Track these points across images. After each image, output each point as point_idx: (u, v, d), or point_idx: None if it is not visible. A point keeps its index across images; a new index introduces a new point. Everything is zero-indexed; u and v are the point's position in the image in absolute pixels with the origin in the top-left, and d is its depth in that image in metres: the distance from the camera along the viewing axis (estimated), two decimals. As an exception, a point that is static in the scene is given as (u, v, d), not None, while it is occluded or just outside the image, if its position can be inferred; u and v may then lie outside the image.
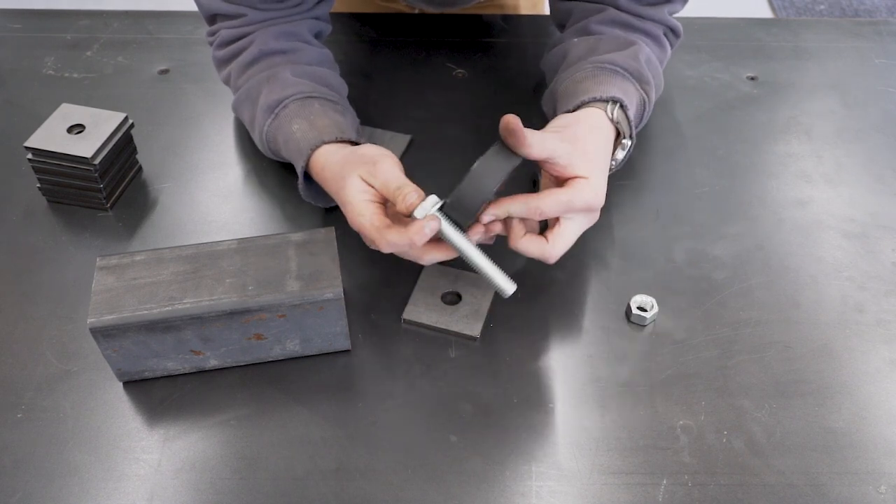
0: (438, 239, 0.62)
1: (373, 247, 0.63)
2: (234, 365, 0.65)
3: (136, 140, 0.81)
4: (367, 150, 0.67)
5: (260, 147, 0.79)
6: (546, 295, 0.71)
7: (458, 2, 1.02)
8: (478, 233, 0.63)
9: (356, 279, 0.72)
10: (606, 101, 0.70)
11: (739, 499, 0.58)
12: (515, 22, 1.04)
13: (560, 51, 0.81)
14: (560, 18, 0.86)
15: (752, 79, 0.95)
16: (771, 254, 0.75)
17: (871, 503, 0.57)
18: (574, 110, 0.71)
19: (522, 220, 0.64)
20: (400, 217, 0.64)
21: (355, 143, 0.72)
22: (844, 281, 0.72)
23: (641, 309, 0.68)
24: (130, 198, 0.80)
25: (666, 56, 0.82)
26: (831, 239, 0.76)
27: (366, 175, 0.64)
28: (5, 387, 0.64)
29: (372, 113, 0.88)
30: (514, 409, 0.63)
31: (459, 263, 0.66)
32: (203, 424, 0.62)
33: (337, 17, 1.01)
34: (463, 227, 0.62)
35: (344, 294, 0.61)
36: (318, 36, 0.85)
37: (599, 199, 0.64)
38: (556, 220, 0.64)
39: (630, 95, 0.72)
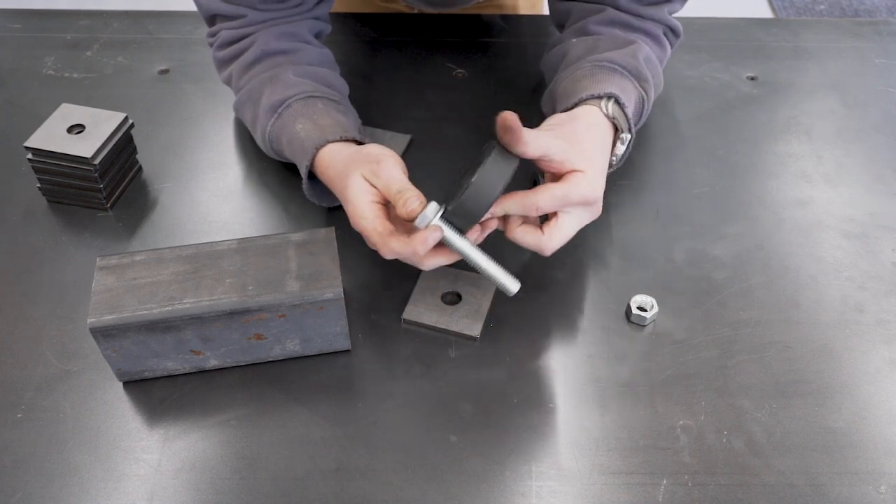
0: (440, 244, 0.62)
1: (374, 248, 0.63)
2: (234, 365, 0.65)
3: (136, 140, 0.81)
4: (372, 149, 0.67)
5: (262, 147, 0.79)
6: (546, 295, 0.71)
7: (458, 2, 1.02)
8: (475, 232, 0.63)
9: (356, 279, 0.72)
10: (602, 97, 0.70)
11: (739, 499, 0.58)
12: (515, 22, 1.04)
13: (559, 51, 0.81)
14: (559, 18, 0.86)
15: (752, 79, 0.95)
16: (771, 254, 0.75)
17: (871, 503, 0.57)
18: (571, 108, 0.71)
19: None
20: (401, 218, 0.64)
21: (359, 143, 0.72)
22: (844, 281, 0.72)
23: (641, 309, 0.68)
24: (130, 198, 0.80)
25: (666, 55, 0.82)
26: (831, 239, 0.76)
27: (368, 174, 0.64)
28: (5, 387, 0.64)
29: (372, 113, 0.88)
30: (514, 409, 0.63)
31: (459, 263, 0.66)
32: (203, 424, 0.62)
33: (337, 17, 1.01)
34: (463, 232, 0.62)
35: (344, 294, 0.61)
36: (317, 36, 0.85)
37: (596, 192, 0.64)
38: (555, 213, 0.64)
39: (628, 92, 0.72)
